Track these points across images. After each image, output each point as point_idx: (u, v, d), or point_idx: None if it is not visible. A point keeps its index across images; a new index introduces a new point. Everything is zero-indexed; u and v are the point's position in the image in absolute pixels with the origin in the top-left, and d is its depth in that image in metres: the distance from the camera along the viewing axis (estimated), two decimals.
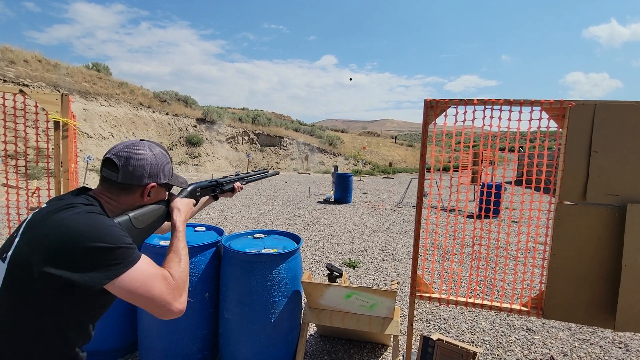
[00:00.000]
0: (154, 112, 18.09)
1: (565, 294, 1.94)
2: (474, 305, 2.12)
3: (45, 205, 0.93)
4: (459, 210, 8.56)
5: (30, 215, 0.91)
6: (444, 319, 3.24)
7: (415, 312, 3.35)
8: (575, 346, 2.86)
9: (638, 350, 2.83)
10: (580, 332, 3.06)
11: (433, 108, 2.07)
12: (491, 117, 2.02)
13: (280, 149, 22.52)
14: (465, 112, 2.06)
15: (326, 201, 10.16)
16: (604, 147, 1.84)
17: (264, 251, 2.20)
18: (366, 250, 5.38)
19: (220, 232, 2.53)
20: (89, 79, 16.44)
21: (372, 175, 20.93)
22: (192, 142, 18.33)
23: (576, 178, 1.88)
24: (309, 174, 19.93)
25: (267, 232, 2.64)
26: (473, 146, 2.28)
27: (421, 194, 2.13)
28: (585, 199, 1.88)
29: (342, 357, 2.57)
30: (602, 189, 1.85)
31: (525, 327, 3.13)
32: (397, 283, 4.07)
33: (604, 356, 2.74)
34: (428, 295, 2.18)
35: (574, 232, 1.89)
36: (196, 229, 2.61)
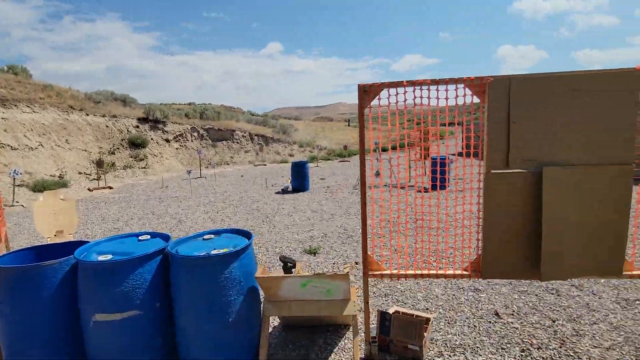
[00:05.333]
0: (87, 114, 16.56)
1: (498, 255, 2.12)
2: (421, 276, 2.26)
3: None
4: (410, 186, 8.98)
5: None
6: (401, 291, 3.42)
7: (375, 289, 3.49)
8: (515, 298, 3.17)
9: (567, 294, 3.21)
10: (520, 285, 3.40)
11: (367, 92, 2.11)
12: (428, 97, 2.11)
13: (233, 142, 21.87)
14: (406, 92, 2.13)
15: (284, 191, 10.11)
16: (520, 117, 2.00)
17: (213, 252, 2.14)
18: (326, 235, 5.47)
19: (166, 238, 2.42)
20: (4, 84, 14.55)
21: (328, 160, 21.14)
22: (136, 144, 17.13)
23: (499, 148, 2.04)
24: (265, 165, 19.64)
25: (218, 232, 2.57)
26: (417, 124, 2.37)
27: (363, 176, 2.18)
28: (508, 166, 2.04)
29: (307, 344, 2.62)
30: (522, 156, 2.03)
31: (473, 288, 3.41)
32: (356, 264, 4.20)
33: (539, 303, 3.07)
34: (379, 273, 2.28)
35: (501, 197, 2.06)
36: (140, 238, 2.46)
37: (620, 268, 2.05)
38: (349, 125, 39.04)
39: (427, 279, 3.24)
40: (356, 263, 4.21)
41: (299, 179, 9.99)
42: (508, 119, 2.01)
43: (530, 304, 3.05)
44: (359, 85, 2.10)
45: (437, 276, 2.25)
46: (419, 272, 2.26)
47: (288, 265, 2.53)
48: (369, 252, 2.26)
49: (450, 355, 2.41)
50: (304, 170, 10.02)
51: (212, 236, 2.48)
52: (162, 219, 7.24)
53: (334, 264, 4.27)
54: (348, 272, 2.14)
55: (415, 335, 2.35)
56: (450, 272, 2.24)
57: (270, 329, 2.88)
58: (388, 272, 2.28)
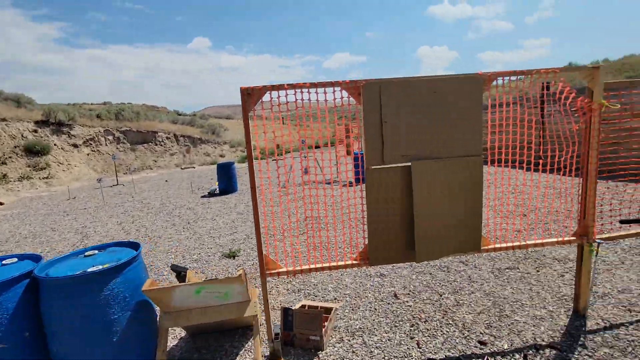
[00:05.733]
0: None
1: (382, 243, 2.33)
2: (316, 270, 2.37)
3: None
4: (335, 181, 9.32)
5: None
6: (314, 284, 3.55)
7: (289, 285, 3.57)
8: (413, 278, 3.51)
9: (455, 269, 3.65)
10: (418, 267, 3.77)
11: (250, 95, 2.13)
12: (309, 100, 2.20)
13: (156, 145, 20.31)
14: (287, 95, 2.19)
15: (211, 194, 9.73)
16: (391, 117, 2.21)
17: (91, 269, 1.98)
18: (249, 237, 5.41)
19: (36, 259, 2.17)
20: None
21: (262, 159, 20.87)
22: (35, 151, 14.91)
23: (375, 146, 2.23)
24: (194, 167, 18.66)
25: (104, 247, 2.38)
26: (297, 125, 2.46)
27: (253, 180, 2.21)
28: (384, 162, 2.25)
29: (213, 349, 2.59)
30: (395, 152, 2.24)
31: (379, 274, 3.69)
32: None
33: (432, 280, 3.44)
34: (276, 271, 2.34)
35: (380, 190, 2.26)
36: (4, 262, 2.17)
37: (479, 244, 2.41)
38: (282, 123, 38.97)
39: (323, 271, 3.41)
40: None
41: (226, 181, 9.70)
42: (381, 119, 2.20)
43: (425, 283, 3.41)
44: (241, 88, 2.11)
45: (330, 268, 2.39)
46: (313, 266, 2.37)
47: (181, 274, 2.46)
48: (274, 251, 2.30)
49: (349, 340, 2.59)
50: (230, 171, 9.76)
51: (96, 252, 2.29)
52: (64, 235, 6.45)
53: (252, 264, 4.25)
54: (241, 275, 2.15)
55: (317, 326, 2.47)
56: (342, 263, 2.39)
57: (177, 341, 2.77)
58: (285, 269, 2.35)
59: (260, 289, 3.26)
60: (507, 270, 3.55)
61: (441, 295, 3.13)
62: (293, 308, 2.57)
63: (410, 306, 2.99)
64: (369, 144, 2.22)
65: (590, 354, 2.23)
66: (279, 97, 2.16)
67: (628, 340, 2.32)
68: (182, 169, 18.37)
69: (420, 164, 2.24)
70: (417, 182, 2.25)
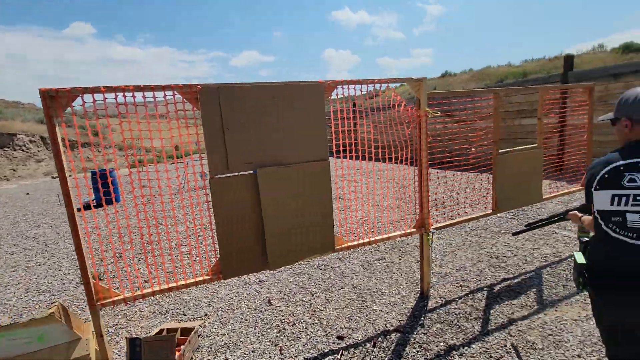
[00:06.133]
0: None
1: (235, 253, 2.24)
2: (161, 291, 2.16)
3: None
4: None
5: None
6: (185, 301, 3.29)
7: (156, 307, 3.23)
8: (290, 281, 3.55)
9: (331, 267, 3.81)
10: (297, 268, 3.83)
11: (55, 99, 1.79)
12: (126, 105, 1.95)
13: (15, 150, 16.67)
14: (105, 99, 1.91)
15: (86, 207, 8.37)
16: (233, 124, 2.13)
17: None
18: (120, 255, 4.77)
19: None
20: None
21: (159, 162, 18.96)
22: None
23: (218, 154, 2.12)
24: (70, 175, 15.88)
25: None
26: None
27: (67, 196, 1.88)
28: (229, 170, 2.16)
29: None
30: (241, 160, 2.17)
31: (258, 280, 3.62)
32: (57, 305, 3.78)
33: (308, 281, 3.52)
34: (110, 300, 2.05)
35: (228, 200, 2.17)
36: None
37: (332, 244, 2.52)
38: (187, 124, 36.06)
39: (168, 292, 3.21)
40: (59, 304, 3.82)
41: (103, 191, 8.45)
42: (222, 125, 2.10)
43: (301, 284, 3.46)
44: (40, 90, 1.76)
45: (177, 288, 2.20)
46: (157, 288, 2.15)
47: None
48: (119, 274, 1.99)
49: (212, 359, 2.44)
50: (108, 179, 8.53)
51: None
52: None
53: (117, 288, 3.74)
54: (53, 312, 1.81)
55: (168, 353, 2.25)
56: (192, 280, 2.23)
57: None
58: (121, 296, 2.07)
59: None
60: (375, 261, 3.86)
61: (313, 295, 3.22)
62: (147, 335, 2.30)
63: (282, 311, 3.00)
64: (211, 151, 2.10)
65: (426, 331, 2.53)
66: (104, 99, 1.87)
67: (455, 314, 2.71)
68: (53, 177, 15.48)
69: (266, 170, 2.22)
70: (265, 189, 2.22)
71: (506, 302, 2.81)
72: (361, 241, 2.67)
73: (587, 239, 1.54)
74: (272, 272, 3.77)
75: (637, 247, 1.27)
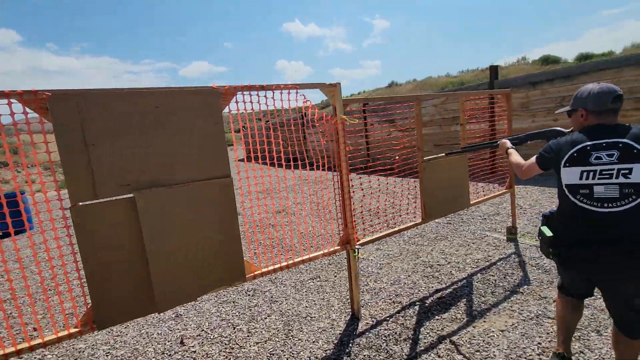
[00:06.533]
0: None
1: (111, 297, 1.83)
2: (17, 353, 1.67)
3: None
4: None
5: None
6: (80, 350, 2.74)
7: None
8: (213, 312, 3.14)
9: (261, 291, 3.46)
10: (223, 297, 3.42)
11: None
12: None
13: None
14: None
15: None
16: (101, 139, 1.74)
17: None
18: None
19: None
20: None
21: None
22: None
23: (81, 175, 1.71)
24: None
25: None
26: None
27: None
28: (97, 195, 1.76)
29: None
30: (112, 181, 1.78)
31: (175, 315, 3.16)
32: None
33: (232, 310, 3.14)
34: None
35: (98, 232, 1.76)
36: None
37: (242, 272, 2.19)
38: None
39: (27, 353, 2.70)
40: None
41: (11, 217, 7.30)
42: (84, 140, 1.71)
43: (224, 315, 3.07)
44: None
45: (44, 345, 1.73)
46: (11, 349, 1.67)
47: None
48: None
49: None
50: (16, 204, 7.41)
51: None
52: None
53: None
54: None
55: None
56: (53, 336, 1.77)
57: None
58: None
59: None
60: (309, 281, 3.58)
61: (235, 328, 2.85)
62: None
63: (195, 352, 2.59)
64: (70, 173, 1.69)
65: None
66: None
67: (385, 336, 2.51)
68: None
69: (148, 193, 1.85)
70: (147, 216, 1.84)
71: (437, 317, 2.67)
72: (277, 265, 2.37)
73: (549, 213, 1.78)
74: (192, 303, 3.33)
75: (600, 213, 1.51)
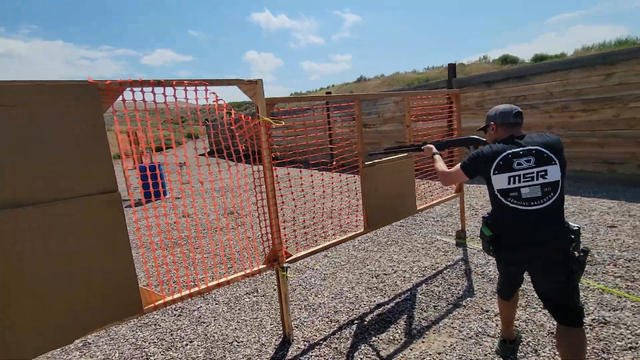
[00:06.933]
0: None
1: None
2: None
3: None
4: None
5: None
6: None
7: None
8: (129, 338, 2.74)
9: (189, 310, 3.09)
10: (145, 318, 3.03)
11: None
12: None
13: None
14: None
15: None
16: None
17: None
18: None
19: None
20: None
21: None
22: None
23: None
24: None
25: None
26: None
27: None
28: None
29: None
30: None
31: (82, 343, 2.73)
32: None
33: (153, 333, 2.76)
34: None
35: None
36: None
37: (138, 304, 1.84)
38: None
39: None
40: None
41: None
42: None
43: (140, 341, 2.69)
44: None
45: None
46: None
47: None
48: None
49: None
50: None
51: None
52: None
53: None
54: None
55: None
56: None
57: None
58: None
59: None
60: (245, 296, 3.27)
61: (149, 358, 2.48)
62: None
63: None
64: None
65: None
66: None
67: None
68: None
69: (1, 215, 1.44)
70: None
71: (374, 338, 2.46)
72: (185, 292, 2.03)
73: (487, 215, 1.93)
74: (106, 331, 2.90)
75: (529, 211, 1.70)
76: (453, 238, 4.16)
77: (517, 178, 1.71)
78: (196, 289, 2.06)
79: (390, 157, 3.10)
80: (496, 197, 1.78)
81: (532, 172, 1.69)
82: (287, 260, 2.41)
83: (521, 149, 1.73)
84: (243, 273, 2.22)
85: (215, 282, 2.13)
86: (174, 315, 3.04)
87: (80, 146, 1.62)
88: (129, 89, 1.74)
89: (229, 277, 2.17)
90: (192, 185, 2.07)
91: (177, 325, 2.88)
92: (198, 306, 3.15)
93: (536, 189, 1.69)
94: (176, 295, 1.99)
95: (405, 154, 3.22)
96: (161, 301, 1.94)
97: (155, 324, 2.92)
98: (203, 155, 15.29)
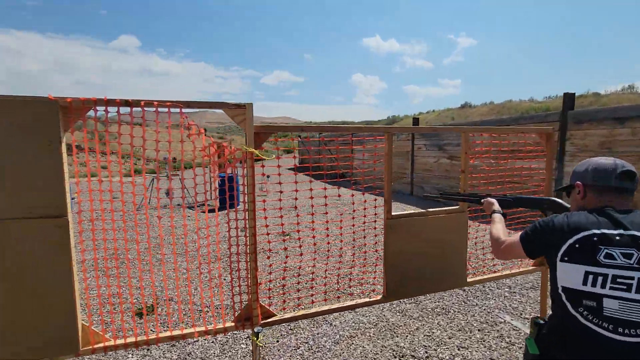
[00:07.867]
0: None
1: None
2: None
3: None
4: (199, 205, 8.26)
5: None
6: None
7: None
8: None
9: None
10: None
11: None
12: None
13: None
14: None
15: None
16: None
17: None
18: None
19: None
20: None
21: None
22: None
23: None
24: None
25: None
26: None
27: None
28: None
29: None
30: None
31: None
32: None
33: None
34: None
35: None
36: None
37: (76, 344, 1.64)
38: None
39: None
40: None
41: None
42: None
43: None
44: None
45: None
46: None
47: None
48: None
49: None
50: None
51: None
52: None
53: None
54: None
55: None
56: None
57: None
58: None
59: None
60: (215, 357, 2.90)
61: None
62: None
63: None
64: None
65: None
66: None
67: None
68: None
69: None
70: None
71: None
72: (131, 340, 1.76)
73: (542, 321, 1.33)
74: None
75: (613, 341, 1.05)
76: (527, 324, 3.07)
77: (600, 279, 1.07)
78: (143, 337, 1.78)
79: (435, 209, 2.39)
80: (560, 299, 1.17)
81: (632, 277, 1.05)
82: (262, 322, 1.96)
83: (619, 231, 1.09)
84: (203, 329, 1.86)
85: (168, 334, 1.82)
86: None
87: (30, 166, 1.52)
88: (93, 107, 1.59)
89: (184, 332, 1.84)
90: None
91: None
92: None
93: (634, 307, 1.03)
94: (119, 341, 1.74)
95: (457, 206, 2.46)
96: (101, 344, 1.71)
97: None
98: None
